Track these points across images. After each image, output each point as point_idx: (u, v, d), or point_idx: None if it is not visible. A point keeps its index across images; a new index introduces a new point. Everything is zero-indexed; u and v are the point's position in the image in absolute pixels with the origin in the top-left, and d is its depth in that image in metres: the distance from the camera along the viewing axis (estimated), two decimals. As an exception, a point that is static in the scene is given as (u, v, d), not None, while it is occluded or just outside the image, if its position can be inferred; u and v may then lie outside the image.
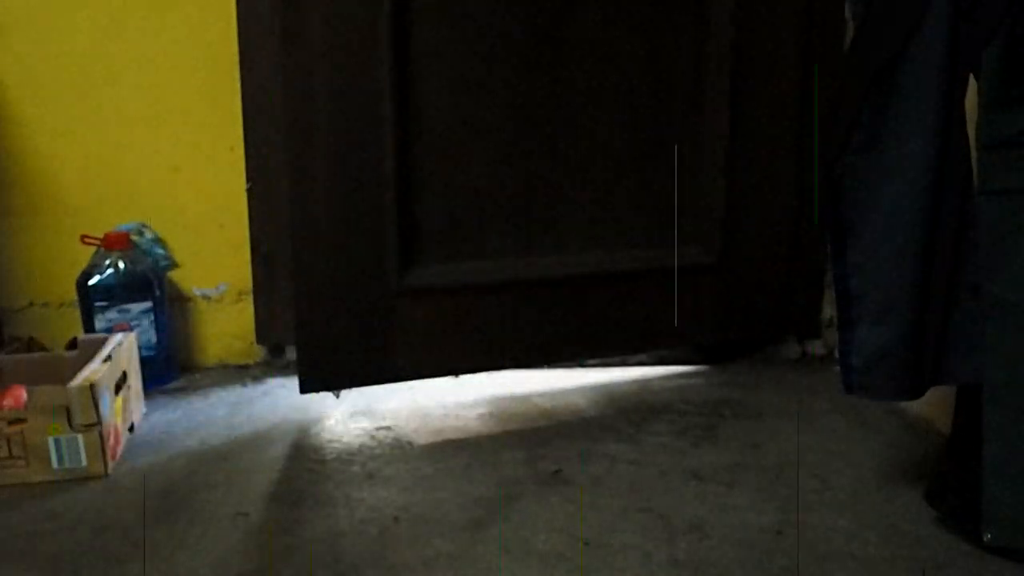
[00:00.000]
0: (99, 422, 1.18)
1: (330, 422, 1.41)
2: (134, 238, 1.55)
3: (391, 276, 1.34)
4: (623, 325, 1.52)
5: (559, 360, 1.58)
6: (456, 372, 1.50)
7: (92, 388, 1.17)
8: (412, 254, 1.36)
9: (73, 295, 1.51)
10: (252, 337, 1.65)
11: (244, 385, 1.59)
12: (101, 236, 1.51)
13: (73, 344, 1.41)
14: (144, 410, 1.44)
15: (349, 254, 1.31)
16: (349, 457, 1.28)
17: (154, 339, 1.53)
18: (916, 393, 1.09)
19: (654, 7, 1.42)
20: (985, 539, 0.97)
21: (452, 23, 1.31)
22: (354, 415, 1.44)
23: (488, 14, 1.33)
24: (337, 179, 1.29)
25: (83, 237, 1.51)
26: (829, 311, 1.66)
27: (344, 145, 1.28)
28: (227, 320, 1.66)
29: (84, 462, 1.19)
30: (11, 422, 1.16)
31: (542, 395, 1.54)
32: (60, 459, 1.19)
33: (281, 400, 1.51)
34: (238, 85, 1.53)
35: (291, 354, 1.66)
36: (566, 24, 1.37)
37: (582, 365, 1.68)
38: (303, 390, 1.33)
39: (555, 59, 1.39)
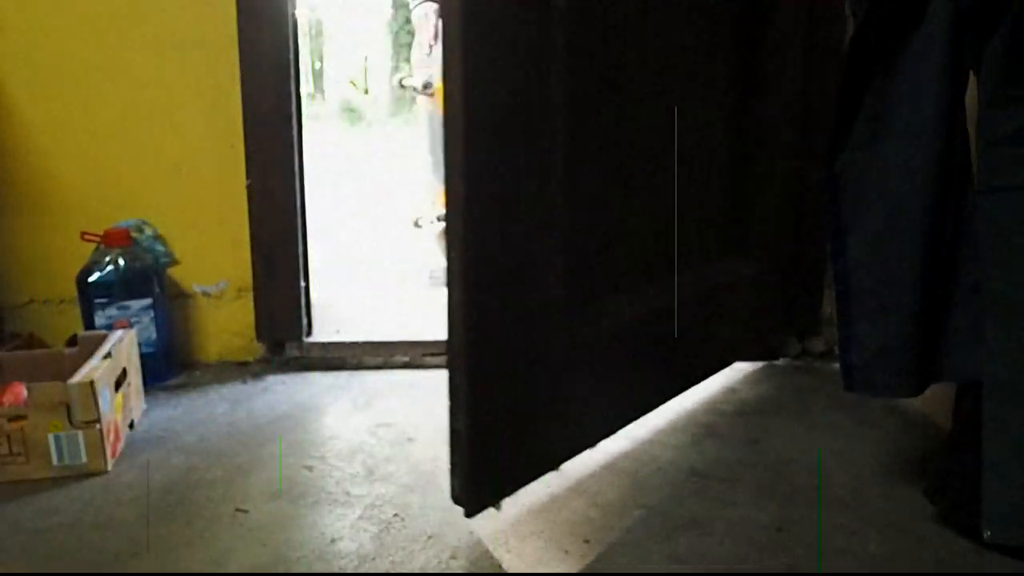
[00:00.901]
0: (99, 419, 1.18)
1: (330, 419, 1.42)
2: (134, 235, 1.54)
3: (560, 336, 1.07)
4: (715, 341, 1.46)
5: (682, 390, 1.41)
6: (597, 440, 1.20)
7: (92, 385, 1.17)
8: (578, 303, 1.09)
9: (73, 292, 1.51)
10: (252, 334, 1.65)
11: (244, 382, 1.59)
12: (101, 233, 1.51)
13: (73, 341, 1.41)
14: (144, 407, 1.44)
15: (519, 320, 1.01)
16: (349, 454, 1.28)
17: (154, 336, 1.53)
18: (916, 390, 1.09)
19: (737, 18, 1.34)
20: (985, 536, 0.97)
21: (605, 37, 1.12)
22: (354, 410, 1.44)
23: (630, 27, 1.16)
24: (507, 229, 0.98)
25: (83, 234, 1.51)
26: (829, 309, 1.66)
27: (513, 168, 0.98)
28: (227, 317, 1.66)
29: (84, 459, 1.19)
30: (11, 419, 1.16)
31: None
32: (60, 456, 1.19)
33: (281, 397, 1.51)
34: (239, 82, 1.52)
35: (291, 351, 1.66)
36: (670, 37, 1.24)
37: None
38: (469, 513, 1.01)
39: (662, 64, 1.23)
